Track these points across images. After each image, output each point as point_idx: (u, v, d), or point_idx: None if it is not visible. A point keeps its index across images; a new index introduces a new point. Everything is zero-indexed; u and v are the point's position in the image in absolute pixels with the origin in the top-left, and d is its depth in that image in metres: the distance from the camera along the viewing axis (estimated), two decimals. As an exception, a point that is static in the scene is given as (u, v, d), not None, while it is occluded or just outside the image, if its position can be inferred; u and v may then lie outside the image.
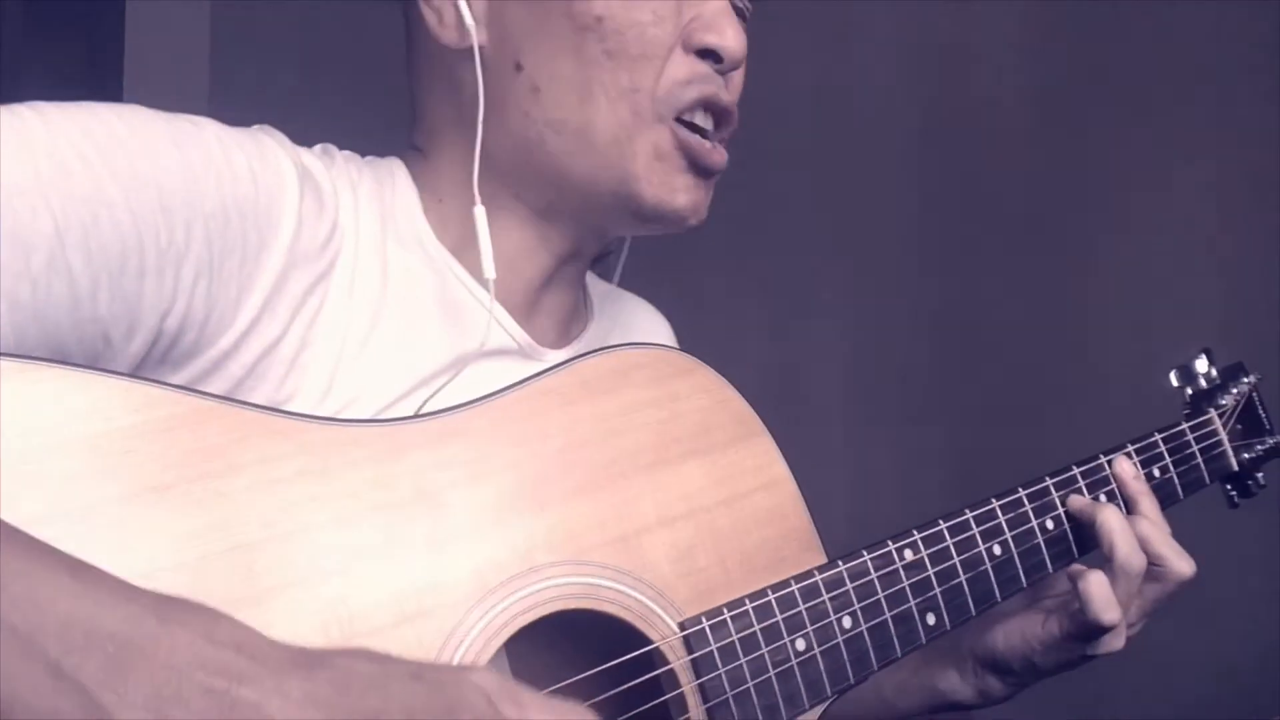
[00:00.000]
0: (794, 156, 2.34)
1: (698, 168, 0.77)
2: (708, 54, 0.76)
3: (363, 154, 0.80)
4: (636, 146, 0.75)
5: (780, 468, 0.78)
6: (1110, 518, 0.87)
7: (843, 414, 2.35)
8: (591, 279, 0.93)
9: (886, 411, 2.36)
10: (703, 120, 0.77)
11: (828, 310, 2.40)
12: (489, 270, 0.75)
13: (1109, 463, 0.92)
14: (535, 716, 0.52)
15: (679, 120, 0.76)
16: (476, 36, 0.74)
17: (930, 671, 0.93)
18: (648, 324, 0.97)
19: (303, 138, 0.79)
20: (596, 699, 0.68)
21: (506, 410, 0.69)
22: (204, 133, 0.67)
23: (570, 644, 0.71)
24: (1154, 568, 0.88)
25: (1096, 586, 0.84)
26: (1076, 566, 0.88)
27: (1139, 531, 0.88)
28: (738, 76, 0.80)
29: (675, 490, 0.73)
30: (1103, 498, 0.91)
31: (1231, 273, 2.14)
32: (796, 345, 2.37)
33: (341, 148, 0.81)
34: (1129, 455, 0.94)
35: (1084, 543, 0.90)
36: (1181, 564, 0.89)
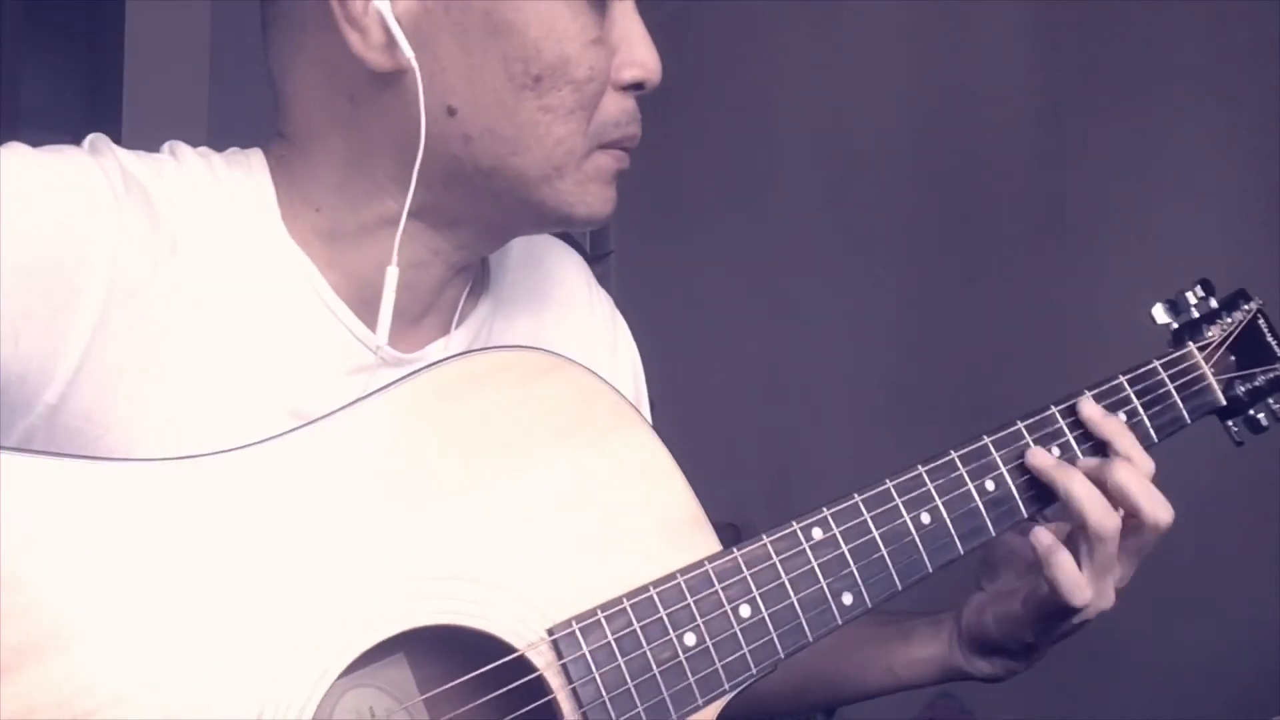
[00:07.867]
0: (794, 156, 2.34)
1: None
2: (632, 86, 0.76)
3: None
4: (571, 177, 0.75)
5: (662, 458, 0.75)
6: (1075, 484, 0.81)
7: (844, 415, 2.34)
8: None
9: (886, 412, 2.34)
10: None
11: (827, 311, 2.40)
12: (383, 336, 0.74)
13: (1074, 407, 0.86)
14: None
15: (604, 146, 0.76)
16: (418, 68, 0.70)
17: (950, 651, 0.89)
18: (556, 267, 0.93)
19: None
20: (466, 708, 0.66)
21: (339, 431, 0.68)
22: None
23: (461, 653, 0.69)
24: (1129, 519, 0.82)
25: (1061, 570, 0.79)
26: (1041, 538, 0.81)
27: (1115, 479, 0.81)
28: None
29: (541, 488, 0.71)
30: (1056, 450, 0.85)
31: (1237, 278, 2.08)
32: (797, 347, 2.36)
33: None
34: (1088, 400, 0.87)
35: (1042, 499, 0.84)
36: (1159, 513, 0.82)
